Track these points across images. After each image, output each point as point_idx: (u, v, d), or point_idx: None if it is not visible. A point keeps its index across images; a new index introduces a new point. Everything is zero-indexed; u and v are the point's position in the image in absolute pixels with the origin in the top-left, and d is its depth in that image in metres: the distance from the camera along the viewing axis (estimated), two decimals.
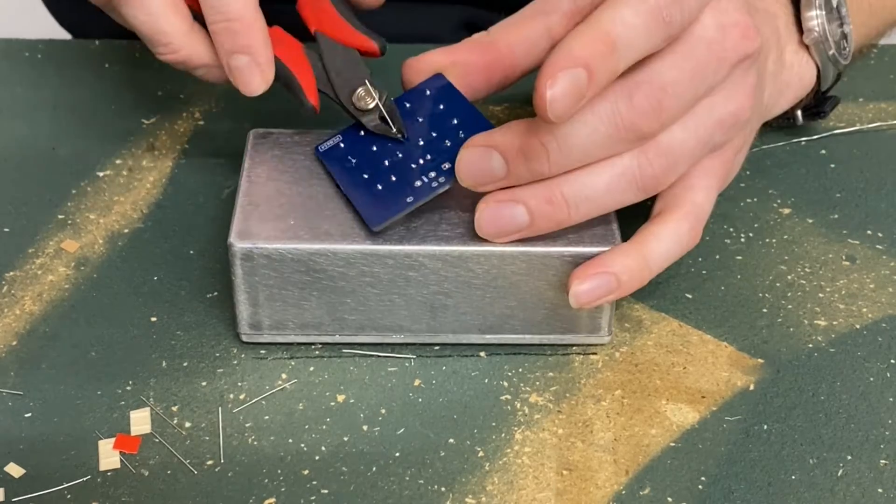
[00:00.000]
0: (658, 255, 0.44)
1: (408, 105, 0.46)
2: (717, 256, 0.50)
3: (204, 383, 0.44)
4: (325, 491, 0.41)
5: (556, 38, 0.43)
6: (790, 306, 0.48)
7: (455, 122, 0.45)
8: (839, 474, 0.41)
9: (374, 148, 0.45)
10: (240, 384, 0.44)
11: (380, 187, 0.44)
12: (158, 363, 0.45)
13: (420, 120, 0.45)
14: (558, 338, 0.45)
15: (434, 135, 0.45)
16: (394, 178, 0.44)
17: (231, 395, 0.44)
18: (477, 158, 0.42)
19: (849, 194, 0.53)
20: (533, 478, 0.41)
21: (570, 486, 0.41)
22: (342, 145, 0.46)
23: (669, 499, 0.41)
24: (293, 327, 0.44)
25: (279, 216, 0.43)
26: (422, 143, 0.45)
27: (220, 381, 0.44)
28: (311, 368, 0.45)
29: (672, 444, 0.42)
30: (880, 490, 0.41)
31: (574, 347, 0.46)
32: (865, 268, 0.50)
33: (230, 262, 0.43)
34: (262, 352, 0.45)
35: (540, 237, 0.43)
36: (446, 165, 0.43)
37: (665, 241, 0.44)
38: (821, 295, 0.48)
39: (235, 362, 0.45)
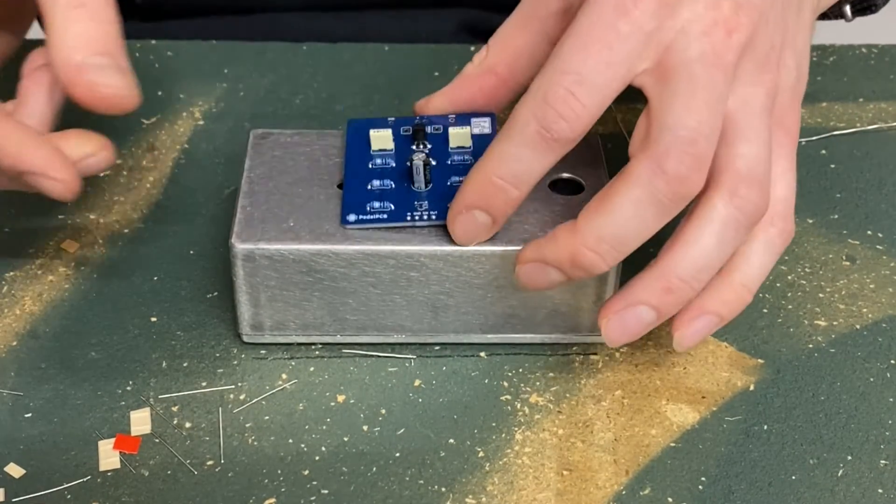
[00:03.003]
0: (752, 276, 0.41)
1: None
2: None
3: (204, 383, 0.44)
4: (326, 491, 0.41)
5: (555, 40, 0.40)
6: (790, 306, 0.48)
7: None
8: (839, 474, 0.41)
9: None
10: (240, 384, 0.44)
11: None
12: (158, 363, 0.45)
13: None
14: (560, 337, 0.45)
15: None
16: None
17: (231, 396, 0.44)
18: (534, 274, 0.41)
19: (849, 194, 0.53)
20: (533, 478, 0.41)
21: (570, 486, 0.41)
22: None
23: (670, 499, 0.41)
24: (294, 328, 0.44)
25: (280, 217, 0.43)
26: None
27: (220, 381, 0.44)
28: (312, 369, 0.45)
29: (672, 445, 0.42)
30: (880, 490, 0.41)
31: (574, 348, 0.46)
32: (865, 268, 0.50)
33: (231, 263, 0.43)
34: (262, 352, 0.45)
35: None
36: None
37: (757, 257, 0.41)
38: (821, 295, 0.48)
39: (235, 362, 0.45)
